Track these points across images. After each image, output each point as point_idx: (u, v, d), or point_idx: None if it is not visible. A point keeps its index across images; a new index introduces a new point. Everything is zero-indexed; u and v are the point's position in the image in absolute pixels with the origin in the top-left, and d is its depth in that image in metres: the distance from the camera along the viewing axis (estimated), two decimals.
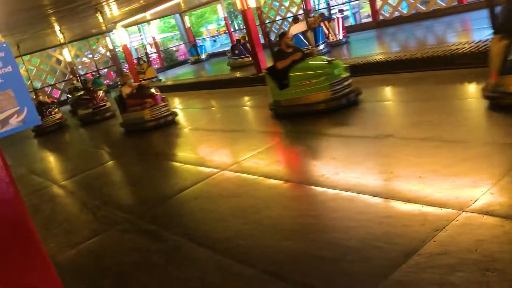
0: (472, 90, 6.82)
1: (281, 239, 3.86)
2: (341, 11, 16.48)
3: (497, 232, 3.11)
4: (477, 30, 11.13)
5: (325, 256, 3.41)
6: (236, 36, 23.36)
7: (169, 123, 10.21)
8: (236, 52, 17.64)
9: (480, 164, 4.13)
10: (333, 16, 15.45)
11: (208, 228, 4.51)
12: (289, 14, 21.18)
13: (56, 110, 14.37)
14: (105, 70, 27.28)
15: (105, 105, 14.19)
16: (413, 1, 16.05)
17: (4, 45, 1.53)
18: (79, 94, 15.94)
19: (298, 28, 14.60)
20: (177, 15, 27.82)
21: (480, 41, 8.16)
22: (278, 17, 21.86)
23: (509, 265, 2.74)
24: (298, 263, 3.40)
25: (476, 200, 3.52)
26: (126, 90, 10.80)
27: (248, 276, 3.43)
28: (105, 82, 24.23)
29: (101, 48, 27.66)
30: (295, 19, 15.83)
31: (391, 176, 4.41)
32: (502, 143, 4.50)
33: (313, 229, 3.91)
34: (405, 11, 16.76)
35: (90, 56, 26.40)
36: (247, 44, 15.77)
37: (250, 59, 15.06)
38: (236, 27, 30.33)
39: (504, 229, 3.12)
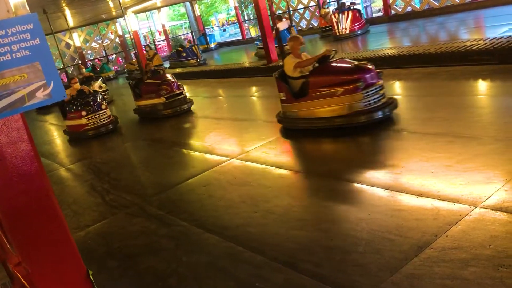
0: (486, 87, 6.76)
1: (291, 228, 3.85)
2: (352, 4, 16.28)
3: (510, 228, 3.09)
4: (491, 28, 11.02)
5: (336, 247, 3.40)
6: (246, 26, 23.24)
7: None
8: (184, 54, 19.61)
9: (494, 161, 4.10)
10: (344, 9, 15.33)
11: (217, 215, 4.51)
12: (300, 6, 21.06)
13: (105, 103, 10.08)
14: (114, 56, 27.29)
15: (181, 93, 9.97)
16: None
17: (33, 16, 1.51)
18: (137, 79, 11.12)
19: (283, 25, 15.62)
20: (187, 3, 27.71)
21: (495, 38, 8.07)
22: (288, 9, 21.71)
23: None
24: (309, 253, 3.40)
25: (489, 196, 3.49)
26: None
27: (258, 263, 3.43)
28: (113, 68, 24.23)
29: (110, 34, 27.65)
30: (279, 17, 16.95)
31: (403, 170, 4.38)
32: None
33: (324, 219, 3.90)
34: (417, 6, 16.61)
35: (99, 41, 26.39)
36: (193, 48, 19.00)
37: (195, 61, 18.69)
38: (246, 17, 30.20)
39: None
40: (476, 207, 3.41)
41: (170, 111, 9.73)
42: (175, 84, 9.90)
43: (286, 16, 17.75)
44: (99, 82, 15.21)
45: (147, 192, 5.67)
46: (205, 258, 3.73)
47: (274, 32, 14.83)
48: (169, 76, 10.21)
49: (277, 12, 21.46)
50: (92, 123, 9.54)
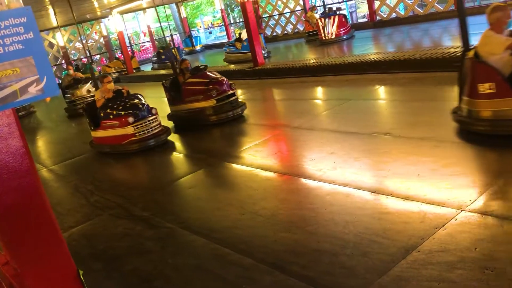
0: None
1: (279, 230, 3.85)
2: (338, 9, 16.41)
3: (496, 232, 3.14)
4: (473, 35, 11.17)
5: (323, 249, 3.40)
6: (232, 29, 23.25)
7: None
8: (163, 57, 19.77)
9: (479, 165, 4.17)
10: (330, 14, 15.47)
11: (204, 217, 4.48)
12: (286, 10, 21.13)
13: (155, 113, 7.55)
14: (98, 56, 27.02)
15: (234, 93, 8.10)
16: (411, 3, 16.11)
17: (27, 9, 1.48)
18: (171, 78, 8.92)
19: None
20: (173, 4, 27.59)
21: None
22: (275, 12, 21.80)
23: (508, 265, 2.75)
24: (297, 255, 3.39)
25: (475, 200, 3.54)
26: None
27: (246, 265, 3.41)
28: (97, 68, 23.98)
29: (94, 34, 27.38)
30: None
31: (389, 174, 4.41)
32: (500, 146, 4.53)
33: (311, 222, 3.90)
34: (402, 13, 16.81)
35: (83, 41, 26.07)
36: (173, 50, 18.49)
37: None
38: (232, 20, 30.21)
39: (503, 229, 3.15)
40: (462, 210, 3.45)
41: (223, 116, 7.82)
42: (226, 82, 8.02)
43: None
44: (88, 85, 13.14)
45: (132, 193, 5.61)
46: (192, 260, 3.70)
47: (236, 41, 16.02)
48: (216, 74, 8.31)
49: (263, 16, 21.54)
50: (140, 133, 7.18)
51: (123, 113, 7.21)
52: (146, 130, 7.22)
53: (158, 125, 7.43)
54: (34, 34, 1.50)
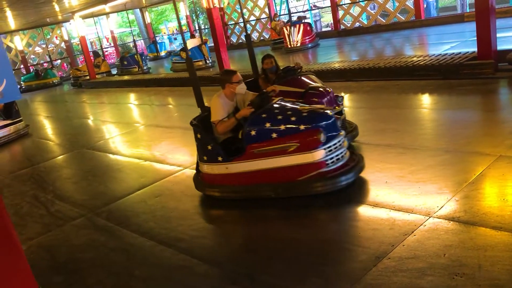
0: (433, 100, 7.03)
1: (248, 239, 3.78)
2: (300, 18, 16.59)
3: (463, 237, 3.17)
4: (433, 45, 11.56)
5: (294, 257, 3.35)
6: (197, 35, 23.11)
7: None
8: (125, 62, 19.95)
9: (445, 171, 4.23)
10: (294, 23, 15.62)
11: (170, 227, 4.36)
12: (251, 18, 21.19)
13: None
14: (59, 61, 26.31)
15: (342, 111, 5.51)
16: (374, 13, 16.48)
17: None
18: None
19: (193, 42, 17.16)
20: (137, 10, 27.23)
21: (440, 54, 8.45)
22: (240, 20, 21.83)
23: (476, 270, 2.78)
24: (268, 264, 3.33)
25: (442, 207, 3.58)
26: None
27: (215, 275, 3.33)
28: (58, 74, 23.33)
29: (55, 39, 26.66)
30: (192, 36, 19.26)
31: (356, 180, 4.41)
32: (463, 151, 4.63)
33: (281, 230, 3.85)
34: (365, 22, 17.15)
35: (44, 46, 25.36)
36: (135, 56, 19.39)
37: (137, 69, 19.18)
38: (197, 27, 30.04)
39: (470, 235, 3.19)
40: (430, 217, 3.48)
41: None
42: (332, 94, 5.43)
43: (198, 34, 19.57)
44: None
45: (95, 203, 5.41)
46: (159, 271, 3.58)
47: (181, 51, 16.60)
48: (314, 79, 5.76)
49: (229, 23, 21.52)
50: (334, 160, 4.21)
51: (302, 126, 4.18)
52: (340, 154, 4.29)
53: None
54: None
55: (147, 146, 7.76)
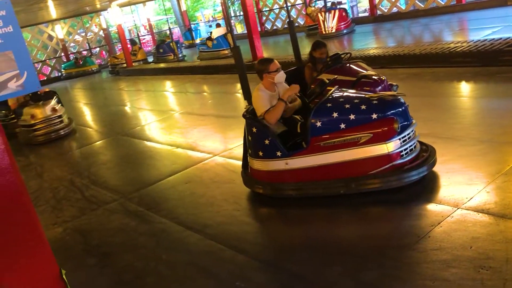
0: (469, 88, 6.82)
1: (273, 227, 3.82)
2: (335, 4, 16.31)
3: (492, 230, 3.09)
4: (474, 30, 11.14)
5: (318, 246, 3.37)
6: (232, 22, 23.16)
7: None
8: (161, 50, 19.62)
9: (476, 162, 4.12)
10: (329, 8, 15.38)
11: (198, 213, 4.45)
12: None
13: None
14: (97, 49, 26.94)
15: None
16: None
17: (6, 3, 1.43)
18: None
19: (219, 31, 17.11)
20: None
21: (478, 40, 8.16)
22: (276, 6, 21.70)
23: (503, 264, 2.72)
24: (290, 252, 3.36)
25: (471, 198, 3.50)
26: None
27: (239, 262, 3.38)
28: (96, 61, 23.92)
29: (94, 27, 27.29)
30: (218, 25, 19.10)
31: None
32: (498, 142, 4.49)
33: (308, 220, 3.86)
34: (403, 7, 16.71)
35: (83, 34, 26.01)
36: (171, 44, 19.06)
37: (172, 57, 18.86)
38: (232, 14, 30.05)
39: (499, 228, 3.10)
40: (458, 208, 3.41)
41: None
42: (386, 83, 5.11)
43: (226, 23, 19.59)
44: (53, 102, 9.56)
45: (127, 188, 5.57)
46: (185, 256, 3.67)
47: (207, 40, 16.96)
48: (364, 66, 5.49)
49: (264, 9, 21.42)
50: (408, 152, 3.91)
51: (374, 115, 3.83)
52: (413, 145, 3.99)
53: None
54: (13, 28, 1.46)
55: (180, 133, 7.89)
